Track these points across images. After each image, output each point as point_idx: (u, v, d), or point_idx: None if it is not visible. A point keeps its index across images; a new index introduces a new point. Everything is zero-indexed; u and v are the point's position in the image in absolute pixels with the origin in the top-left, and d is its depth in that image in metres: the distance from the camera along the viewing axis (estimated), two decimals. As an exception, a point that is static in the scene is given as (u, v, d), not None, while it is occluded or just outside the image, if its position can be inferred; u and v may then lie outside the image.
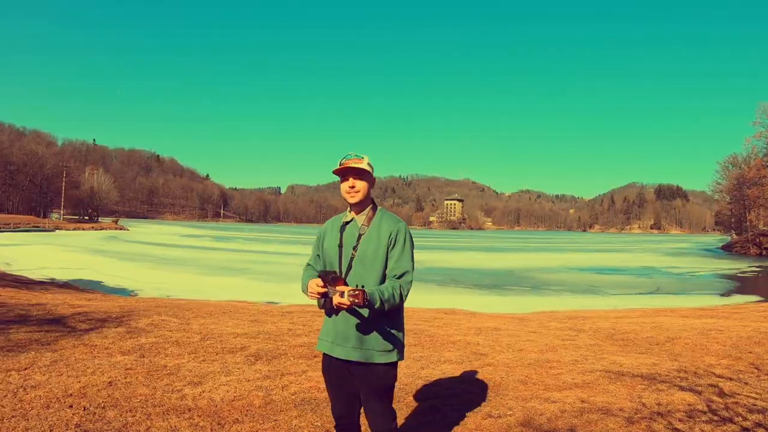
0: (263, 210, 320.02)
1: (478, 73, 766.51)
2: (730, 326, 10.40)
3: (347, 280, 3.20)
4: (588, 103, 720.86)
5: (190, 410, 4.82)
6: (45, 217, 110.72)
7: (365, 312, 3.16)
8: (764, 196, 75.15)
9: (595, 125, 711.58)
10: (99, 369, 5.84)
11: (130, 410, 4.71)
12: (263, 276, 30.33)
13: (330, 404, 3.48)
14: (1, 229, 75.40)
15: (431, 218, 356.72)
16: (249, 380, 5.84)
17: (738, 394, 5.51)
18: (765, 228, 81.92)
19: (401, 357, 3.29)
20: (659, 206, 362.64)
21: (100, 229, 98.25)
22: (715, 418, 4.74)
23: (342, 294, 2.94)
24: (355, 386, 3.30)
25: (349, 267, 3.26)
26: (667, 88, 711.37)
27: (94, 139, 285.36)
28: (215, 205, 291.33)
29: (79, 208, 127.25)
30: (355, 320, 3.20)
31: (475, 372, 6.54)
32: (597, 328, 10.59)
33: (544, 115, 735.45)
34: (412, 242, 3.34)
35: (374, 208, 3.40)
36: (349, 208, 3.39)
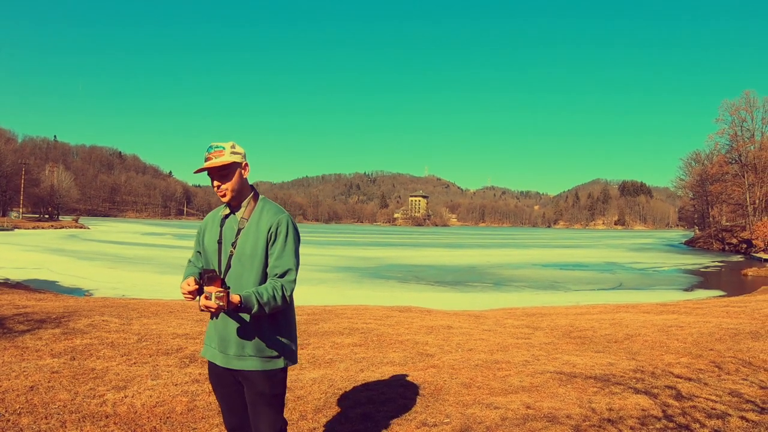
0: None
1: (441, 68, 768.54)
2: (692, 322, 10.18)
3: (226, 279, 2.90)
4: (552, 99, 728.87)
5: (107, 417, 4.57)
6: (3, 215, 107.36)
7: (246, 315, 2.87)
8: (726, 193, 76.44)
9: (559, 121, 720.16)
10: (24, 372, 5.64)
11: (45, 417, 4.48)
12: (220, 274, 29.66)
13: (221, 416, 3.18)
14: None
15: (396, 215, 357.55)
16: (177, 384, 5.57)
17: (697, 397, 5.16)
18: (727, 224, 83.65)
19: (291, 362, 3.01)
20: (623, 202, 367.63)
21: (60, 228, 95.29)
22: (671, 425, 4.36)
23: (209, 296, 2.63)
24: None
25: (228, 265, 2.94)
26: (631, 84, 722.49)
27: (55, 136, 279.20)
28: (178, 203, 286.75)
29: (38, 206, 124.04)
30: (235, 324, 2.91)
31: (418, 374, 6.12)
32: (554, 325, 10.29)
33: (509, 110, 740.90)
34: (297, 236, 2.99)
35: (255, 198, 3.06)
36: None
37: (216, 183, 2.93)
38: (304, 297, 20.04)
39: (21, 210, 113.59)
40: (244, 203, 3.01)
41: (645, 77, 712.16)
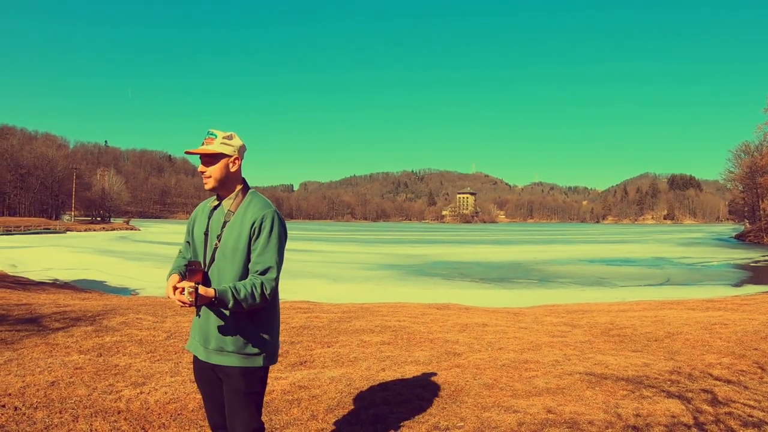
0: (275, 207, 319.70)
1: (488, 64, 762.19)
2: (737, 320, 9.60)
3: (209, 272, 2.82)
4: (600, 93, 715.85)
5: (119, 413, 4.48)
6: (56, 218, 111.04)
7: (227, 311, 2.76)
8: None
9: (607, 114, 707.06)
10: (49, 368, 5.58)
11: (60, 411, 4.42)
12: (268, 273, 29.77)
13: (205, 413, 3.06)
14: (12, 232, 75.51)
15: (444, 212, 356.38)
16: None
17: (734, 402, 4.73)
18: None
19: (270, 362, 2.87)
20: (672, 196, 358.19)
21: (111, 230, 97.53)
22: (700, 433, 3.98)
23: (183, 290, 2.54)
24: None
25: (213, 258, 2.84)
26: (679, 76, 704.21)
27: (106, 141, 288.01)
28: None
29: (90, 209, 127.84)
30: (215, 319, 2.80)
31: (440, 374, 5.82)
32: (594, 323, 9.84)
33: (556, 105, 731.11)
34: (282, 232, 2.82)
35: (245, 191, 2.94)
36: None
37: (201, 168, 2.85)
38: (345, 295, 19.98)
39: (73, 213, 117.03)
40: (232, 196, 2.89)
41: (693, 68, 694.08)
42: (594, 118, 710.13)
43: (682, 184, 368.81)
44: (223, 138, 2.82)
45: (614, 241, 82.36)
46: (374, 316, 10.01)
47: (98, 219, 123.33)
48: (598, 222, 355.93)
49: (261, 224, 2.76)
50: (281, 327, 8.44)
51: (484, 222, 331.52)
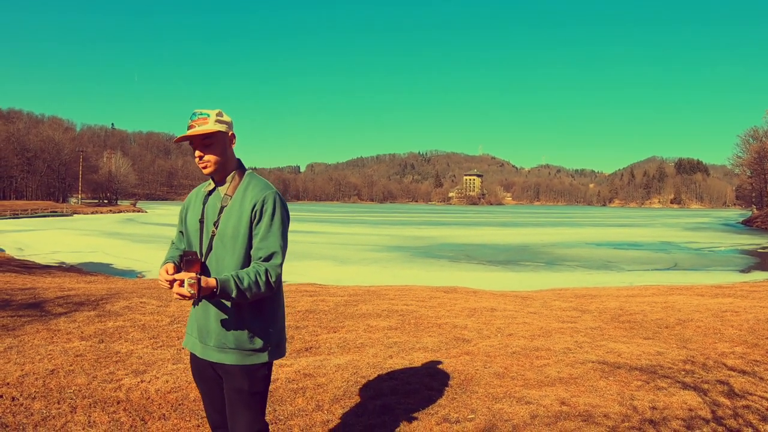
0: (282, 189, 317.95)
1: (494, 46, 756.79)
2: (748, 307, 9.42)
3: (207, 262, 2.59)
4: (607, 75, 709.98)
5: (118, 403, 4.35)
6: (63, 201, 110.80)
7: (229, 302, 2.54)
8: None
9: (615, 97, 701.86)
10: (49, 356, 5.46)
11: (58, 402, 4.30)
12: (273, 254, 29.63)
13: (205, 411, 2.84)
14: (19, 215, 75.18)
15: (450, 194, 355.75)
16: None
17: (751, 395, 4.57)
18: (787, 202, 79.77)
19: (276, 356, 2.66)
20: (679, 180, 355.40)
21: (118, 212, 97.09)
22: (720, 429, 3.82)
23: (182, 282, 2.31)
24: None
25: (210, 247, 2.61)
26: (687, 59, 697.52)
27: (112, 124, 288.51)
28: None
29: (97, 192, 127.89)
30: (215, 312, 2.58)
31: (449, 362, 5.68)
32: (603, 308, 9.69)
33: (563, 87, 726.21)
34: (285, 214, 2.60)
35: (241, 173, 2.70)
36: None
37: (198, 153, 2.60)
38: (352, 277, 19.89)
39: (80, 196, 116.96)
40: (228, 178, 2.67)
41: (702, 52, 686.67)
42: (601, 100, 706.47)
43: (689, 168, 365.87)
44: (216, 116, 2.61)
45: (621, 225, 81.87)
46: (381, 299, 9.89)
47: (105, 201, 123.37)
48: (604, 205, 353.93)
49: (262, 207, 2.54)
50: (287, 311, 8.33)
51: (491, 204, 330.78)
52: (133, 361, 5.43)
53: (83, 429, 3.86)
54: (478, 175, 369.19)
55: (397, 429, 3.97)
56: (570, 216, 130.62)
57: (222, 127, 2.61)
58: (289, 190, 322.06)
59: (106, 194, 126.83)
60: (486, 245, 40.07)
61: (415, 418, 4.13)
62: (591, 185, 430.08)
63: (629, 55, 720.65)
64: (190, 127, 2.59)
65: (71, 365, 5.18)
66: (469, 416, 4.14)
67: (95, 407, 4.22)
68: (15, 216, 74.12)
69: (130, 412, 4.17)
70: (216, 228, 2.59)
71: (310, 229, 56.22)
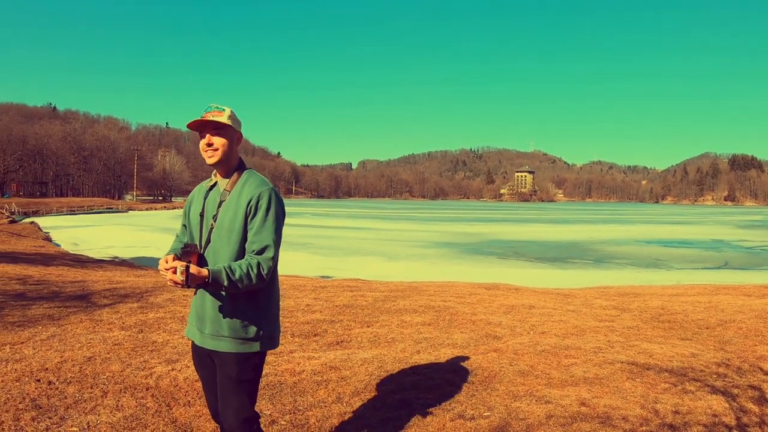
0: (334, 186, 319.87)
1: (545, 39, 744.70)
2: (796, 309, 9.00)
3: (205, 253, 2.70)
4: (660, 67, 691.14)
5: (147, 389, 4.44)
6: (119, 198, 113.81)
7: (218, 302, 2.66)
8: None
9: (668, 91, 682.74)
10: (88, 344, 5.58)
11: (91, 387, 4.41)
12: (323, 250, 29.92)
13: (206, 398, 2.93)
14: (76, 212, 77.24)
15: (502, 190, 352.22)
16: None
17: (783, 401, 4.35)
18: None
19: (268, 346, 2.73)
20: (733, 177, 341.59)
21: (172, 209, 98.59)
22: (742, 436, 3.64)
23: (175, 270, 2.40)
24: None
25: (209, 239, 2.70)
26: (740, 52, 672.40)
27: (167, 123, 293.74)
28: (287, 182, 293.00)
29: (152, 189, 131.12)
30: (211, 301, 2.68)
31: (476, 359, 5.59)
32: (645, 307, 9.40)
33: (616, 80, 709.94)
34: (279, 210, 2.67)
35: (241, 170, 2.78)
36: (214, 171, 2.81)
37: (208, 140, 2.68)
38: (398, 273, 19.87)
39: (135, 193, 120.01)
40: (229, 173, 2.77)
41: (755, 43, 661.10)
42: (654, 94, 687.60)
43: (743, 164, 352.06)
44: (231, 112, 2.72)
45: (673, 222, 79.49)
46: (420, 295, 9.83)
47: (160, 198, 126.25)
48: (657, 202, 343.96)
49: (257, 203, 2.62)
50: (324, 305, 8.35)
51: (542, 200, 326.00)
52: (168, 351, 5.53)
53: (111, 412, 3.95)
54: (530, 172, 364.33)
55: (412, 423, 3.92)
56: (621, 213, 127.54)
57: (234, 124, 2.71)
58: (340, 187, 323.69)
59: (161, 191, 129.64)
60: (535, 242, 39.54)
61: (431, 414, 4.07)
62: (643, 182, 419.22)
63: (682, 46, 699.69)
64: (203, 116, 2.68)
65: (108, 353, 5.30)
66: (485, 413, 4.05)
67: (125, 392, 4.33)
68: (72, 212, 76.26)
69: (157, 398, 4.26)
70: (215, 221, 2.68)
71: (360, 225, 56.48)
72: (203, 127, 2.69)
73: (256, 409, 4.02)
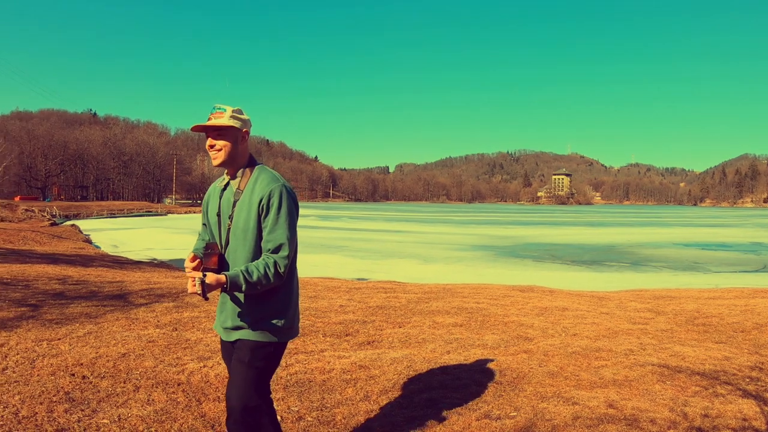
0: (371, 189, 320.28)
1: (581, 41, 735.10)
2: (837, 312, 8.71)
3: (225, 254, 2.72)
4: (698, 69, 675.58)
5: (178, 385, 4.52)
6: (158, 202, 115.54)
7: (241, 295, 2.68)
8: None
9: (706, 91, 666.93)
10: (123, 341, 5.69)
11: (124, 382, 4.52)
12: (360, 253, 29.96)
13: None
14: (116, 215, 78.60)
15: (539, 193, 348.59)
16: None
17: (816, 405, 4.22)
18: None
19: (285, 338, 2.76)
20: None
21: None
22: (772, 440, 3.54)
23: (194, 280, 2.48)
24: None
25: (227, 240, 2.73)
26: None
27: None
28: (324, 186, 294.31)
29: (191, 192, 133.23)
30: (232, 295, 2.72)
31: (505, 359, 5.55)
32: (680, 310, 9.21)
33: (653, 81, 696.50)
34: (292, 207, 2.66)
35: (252, 168, 2.78)
36: (225, 170, 2.82)
37: (210, 143, 2.71)
38: (434, 275, 19.80)
39: (174, 196, 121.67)
40: (239, 173, 2.76)
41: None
42: (691, 95, 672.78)
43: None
44: (233, 112, 2.71)
45: (711, 225, 77.51)
46: (454, 297, 9.79)
47: (198, 202, 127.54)
48: (695, 204, 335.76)
49: (269, 200, 2.62)
50: (358, 306, 8.38)
51: (580, 204, 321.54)
52: (200, 348, 5.60)
53: (142, 406, 4.04)
54: (567, 175, 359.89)
55: (437, 422, 3.91)
56: (659, 216, 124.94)
57: (236, 123, 2.70)
58: (378, 190, 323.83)
59: (200, 195, 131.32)
60: (572, 245, 39.01)
61: (457, 413, 4.05)
62: (681, 184, 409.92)
63: (720, 48, 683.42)
64: (209, 119, 2.71)
65: (142, 350, 5.41)
66: (511, 414, 4.02)
67: (156, 387, 4.41)
68: (112, 215, 77.57)
69: (187, 393, 4.33)
70: (231, 221, 2.70)
71: (397, 228, 56.44)
72: (206, 131, 2.72)
73: (282, 405, 4.09)
